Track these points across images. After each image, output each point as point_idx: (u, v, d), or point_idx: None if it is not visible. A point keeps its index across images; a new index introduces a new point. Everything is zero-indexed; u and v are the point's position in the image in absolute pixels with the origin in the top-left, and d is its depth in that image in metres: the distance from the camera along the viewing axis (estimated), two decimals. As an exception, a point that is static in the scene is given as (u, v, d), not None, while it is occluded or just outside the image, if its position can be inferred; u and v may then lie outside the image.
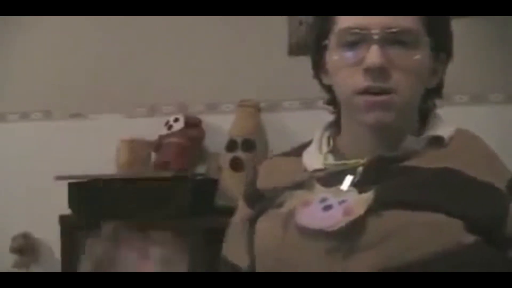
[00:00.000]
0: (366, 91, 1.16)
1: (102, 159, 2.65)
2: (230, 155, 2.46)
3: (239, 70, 2.70)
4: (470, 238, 1.06)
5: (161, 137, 2.63)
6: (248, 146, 2.47)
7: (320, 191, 1.16)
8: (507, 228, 1.10)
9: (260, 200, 1.28)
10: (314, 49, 1.27)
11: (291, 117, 2.60)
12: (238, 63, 2.70)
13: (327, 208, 1.11)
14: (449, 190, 1.11)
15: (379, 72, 1.14)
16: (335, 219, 1.09)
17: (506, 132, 2.34)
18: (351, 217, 1.08)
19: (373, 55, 1.14)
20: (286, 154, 1.38)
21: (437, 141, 1.20)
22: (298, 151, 1.32)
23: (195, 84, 2.75)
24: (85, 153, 2.80)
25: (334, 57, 1.20)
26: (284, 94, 2.62)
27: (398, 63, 1.15)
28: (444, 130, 1.22)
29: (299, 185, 1.20)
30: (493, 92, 2.40)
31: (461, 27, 2.40)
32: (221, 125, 2.64)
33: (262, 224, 1.22)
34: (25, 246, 2.85)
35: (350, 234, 1.07)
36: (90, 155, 2.77)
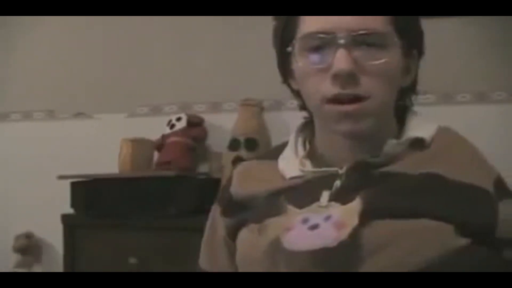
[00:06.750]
0: (335, 99, 1.10)
1: (104, 158, 2.66)
2: (232, 154, 2.45)
3: (241, 69, 2.69)
4: (462, 241, 1.03)
5: (164, 137, 2.63)
6: (251, 145, 2.46)
7: (296, 213, 1.09)
8: (499, 229, 1.07)
9: (238, 210, 1.22)
10: (279, 55, 1.22)
11: (294, 116, 2.55)
12: (240, 62, 2.69)
13: (313, 227, 1.04)
14: (435, 196, 1.07)
15: (348, 78, 1.08)
16: (329, 235, 1.02)
17: (509, 130, 2.34)
18: (348, 229, 1.01)
19: (340, 60, 1.08)
20: (261, 158, 1.33)
21: (419, 143, 1.16)
22: (273, 154, 1.27)
23: (197, 84, 2.75)
24: (88, 153, 2.81)
25: (300, 63, 1.14)
26: (287, 93, 2.59)
27: (368, 67, 1.09)
28: (424, 130, 1.18)
29: (276, 193, 1.16)
30: (495, 91, 2.39)
31: (463, 26, 2.42)
32: (224, 124, 2.64)
33: (245, 240, 1.17)
34: (28, 245, 2.86)
35: (349, 248, 1.02)
36: (92, 154, 2.79)
